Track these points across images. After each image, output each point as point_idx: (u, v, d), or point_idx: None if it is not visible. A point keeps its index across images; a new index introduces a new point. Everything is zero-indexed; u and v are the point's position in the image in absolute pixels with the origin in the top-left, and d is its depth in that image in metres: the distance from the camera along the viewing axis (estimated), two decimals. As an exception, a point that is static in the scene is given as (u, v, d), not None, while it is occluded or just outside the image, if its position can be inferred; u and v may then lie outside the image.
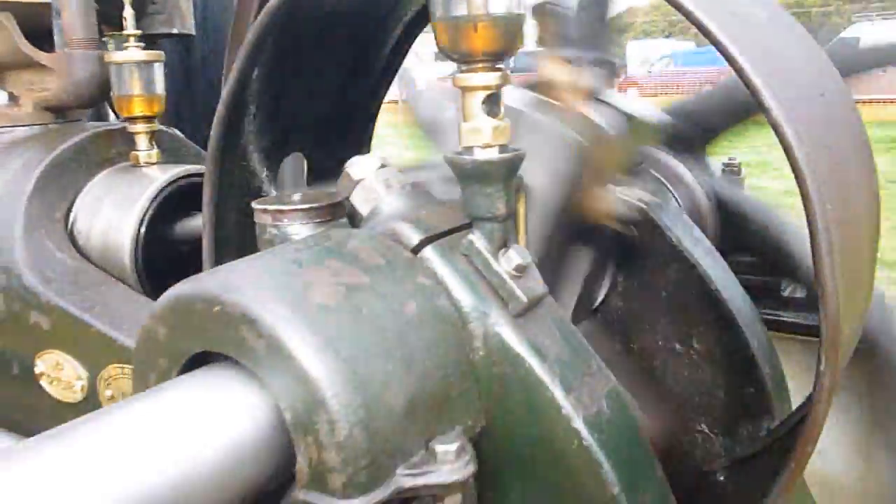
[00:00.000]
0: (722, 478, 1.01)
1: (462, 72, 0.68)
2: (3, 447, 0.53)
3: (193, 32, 1.69)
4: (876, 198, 0.80)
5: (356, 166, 0.76)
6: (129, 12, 1.26)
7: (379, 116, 1.22)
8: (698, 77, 36.44)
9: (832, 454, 1.43)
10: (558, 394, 0.67)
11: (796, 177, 0.62)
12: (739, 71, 0.63)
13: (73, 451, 0.52)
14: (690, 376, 0.99)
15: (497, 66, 0.68)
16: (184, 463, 0.54)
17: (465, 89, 0.69)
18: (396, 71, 1.17)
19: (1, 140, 1.42)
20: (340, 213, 0.78)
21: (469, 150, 0.69)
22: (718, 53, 0.64)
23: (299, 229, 0.76)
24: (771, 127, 0.64)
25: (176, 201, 1.27)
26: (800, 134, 0.63)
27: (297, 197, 0.79)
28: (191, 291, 0.62)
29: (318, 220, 0.76)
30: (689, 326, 0.97)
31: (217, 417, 0.58)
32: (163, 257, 1.23)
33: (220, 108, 0.95)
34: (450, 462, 0.61)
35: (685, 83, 36.03)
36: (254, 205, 0.79)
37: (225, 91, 0.93)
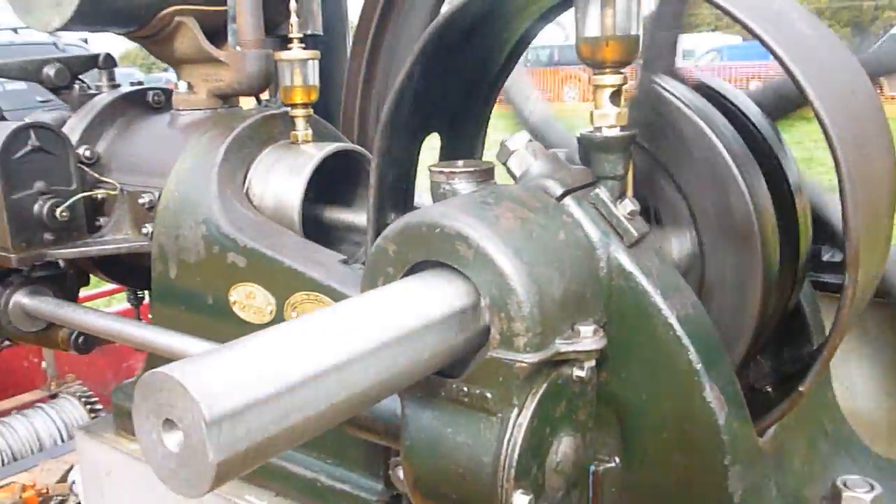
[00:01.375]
0: (770, 390, 1.29)
1: (595, 74, 0.98)
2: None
3: (321, 32, 2.01)
4: (892, 170, 1.07)
5: (512, 141, 1.07)
6: (294, 20, 1.58)
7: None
8: (745, 72, 36.16)
9: (863, 392, 1.69)
10: (658, 300, 0.97)
11: (829, 147, 0.90)
12: (786, 69, 0.91)
13: (342, 317, 0.82)
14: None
15: (620, 70, 0.98)
16: (418, 324, 0.85)
17: (598, 87, 0.99)
18: (508, 74, 1.47)
19: (181, 120, 1.75)
20: (491, 175, 1.08)
21: (598, 129, 0.99)
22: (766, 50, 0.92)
23: (465, 186, 1.06)
24: (814, 116, 0.92)
25: (323, 172, 1.59)
26: (834, 121, 0.91)
27: (460, 163, 1.10)
28: (418, 219, 0.93)
29: (478, 180, 1.07)
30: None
31: (439, 299, 0.88)
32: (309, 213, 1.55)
33: (392, 96, 1.25)
34: (588, 337, 0.91)
35: (731, 78, 35.81)
36: (431, 167, 1.10)
37: (397, 84, 1.24)
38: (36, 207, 1.59)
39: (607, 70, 0.98)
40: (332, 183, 1.65)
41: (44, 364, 3.47)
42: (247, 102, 1.99)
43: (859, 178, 0.92)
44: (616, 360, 1.01)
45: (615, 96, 0.99)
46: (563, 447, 0.95)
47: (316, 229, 1.60)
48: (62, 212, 1.59)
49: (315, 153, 1.57)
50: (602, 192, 1.01)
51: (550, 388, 0.92)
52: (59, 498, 2.34)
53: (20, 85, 1.87)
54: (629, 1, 0.96)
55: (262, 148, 1.62)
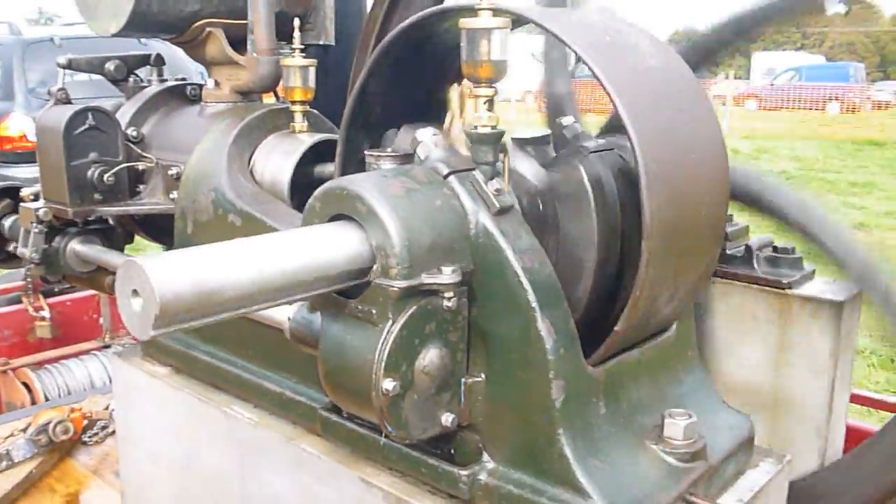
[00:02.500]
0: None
1: (475, 87, 1.34)
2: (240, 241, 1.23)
3: (333, 43, 2.41)
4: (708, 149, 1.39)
5: (420, 133, 1.44)
6: (297, 34, 1.97)
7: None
8: (823, 92, 35.40)
9: (754, 367, 1.99)
10: (510, 254, 1.32)
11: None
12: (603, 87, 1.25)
13: (262, 243, 1.20)
14: None
15: (492, 85, 1.34)
16: (325, 257, 1.23)
17: (476, 96, 1.35)
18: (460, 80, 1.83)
19: (208, 110, 2.18)
20: (410, 159, 1.45)
21: (475, 127, 1.35)
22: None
23: (388, 166, 1.44)
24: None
25: (315, 155, 1.97)
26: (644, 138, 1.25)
27: (388, 150, 1.47)
28: (335, 185, 1.31)
29: (398, 162, 1.44)
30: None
31: (343, 240, 1.26)
32: (304, 188, 1.94)
33: (352, 97, 1.64)
34: (447, 274, 1.27)
35: (808, 98, 35.08)
36: (366, 152, 1.47)
37: (357, 85, 1.62)
38: (89, 173, 2.03)
39: (483, 84, 1.34)
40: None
41: (101, 319, 3.98)
42: (269, 98, 2.40)
43: (656, 160, 1.26)
44: (481, 299, 1.36)
45: (489, 104, 1.35)
46: (430, 355, 1.31)
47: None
48: (108, 177, 2.03)
49: (306, 140, 1.97)
50: (477, 174, 1.37)
51: (420, 310, 1.28)
52: (102, 422, 2.79)
53: (85, 76, 2.32)
54: (501, 35, 1.32)
55: (266, 135, 2.02)
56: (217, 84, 2.18)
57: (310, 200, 1.36)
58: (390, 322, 1.26)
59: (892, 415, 1.88)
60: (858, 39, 62.47)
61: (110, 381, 3.57)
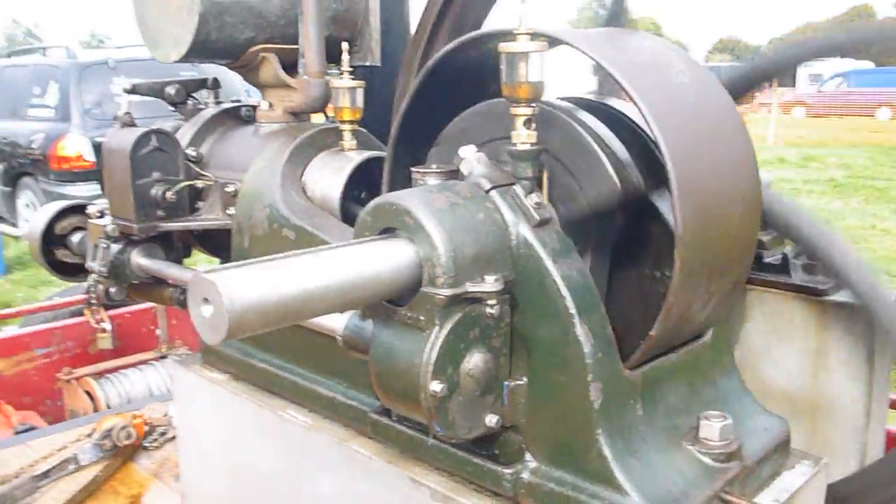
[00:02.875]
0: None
1: (512, 107, 1.43)
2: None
3: (379, 64, 2.52)
4: (740, 167, 1.45)
5: (463, 150, 1.52)
6: (345, 57, 2.08)
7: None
8: (872, 98, 34.68)
9: (791, 373, 2.03)
10: (549, 263, 1.40)
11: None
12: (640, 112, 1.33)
13: (320, 256, 1.30)
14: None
15: (531, 105, 1.42)
16: (377, 268, 1.32)
17: (516, 115, 1.43)
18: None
19: (262, 130, 2.30)
20: (454, 175, 1.54)
21: (515, 144, 1.44)
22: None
23: (432, 181, 1.53)
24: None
25: (363, 172, 2.08)
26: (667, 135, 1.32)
27: (433, 167, 1.56)
28: (384, 200, 1.40)
29: (443, 178, 1.53)
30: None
31: (393, 252, 1.35)
32: (353, 203, 2.05)
33: (399, 117, 1.74)
34: (489, 283, 1.36)
35: (857, 104, 34.42)
36: (412, 169, 1.57)
37: (403, 106, 1.72)
38: (153, 191, 2.16)
39: (522, 104, 1.43)
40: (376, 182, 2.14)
41: (158, 331, 4.15)
42: (319, 118, 2.52)
43: (686, 172, 1.33)
44: (522, 306, 1.45)
45: (528, 123, 1.43)
46: (475, 359, 1.39)
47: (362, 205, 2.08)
48: (171, 195, 2.16)
49: (355, 158, 2.07)
50: (517, 189, 1.45)
51: (465, 317, 1.37)
52: (161, 429, 2.93)
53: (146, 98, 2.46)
54: (539, 57, 1.41)
55: (317, 153, 2.13)
56: (270, 105, 2.30)
57: (360, 214, 1.46)
58: (437, 328, 1.34)
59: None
60: (909, 43, 61.01)
61: (168, 390, 3.73)
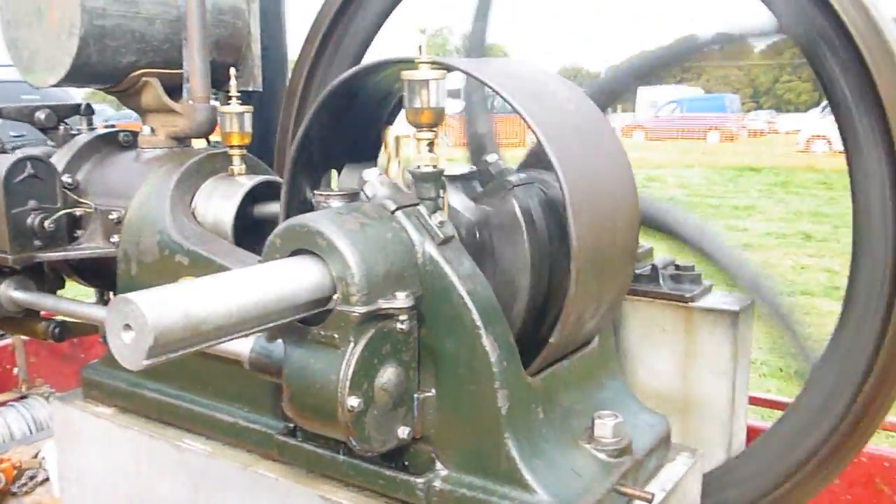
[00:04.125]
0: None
1: (417, 132, 1.50)
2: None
3: (261, 89, 2.53)
4: (618, 182, 1.60)
5: (366, 173, 1.58)
6: (233, 83, 2.08)
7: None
8: (703, 123, 37.49)
9: (664, 375, 2.21)
10: (455, 279, 1.48)
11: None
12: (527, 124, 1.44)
13: (236, 278, 1.32)
14: None
15: (433, 129, 1.50)
16: (287, 287, 1.35)
17: (419, 139, 1.51)
18: (395, 119, 1.98)
19: (146, 155, 2.25)
20: (356, 197, 1.59)
21: (419, 167, 1.51)
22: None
23: (336, 203, 1.58)
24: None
25: (253, 196, 2.08)
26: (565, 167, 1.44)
27: (335, 189, 1.61)
28: (295, 222, 1.44)
29: (346, 200, 1.58)
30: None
31: (304, 272, 1.39)
32: (245, 228, 2.05)
33: (295, 142, 1.77)
34: (401, 299, 1.42)
35: (689, 129, 37.08)
36: (316, 192, 1.61)
37: (300, 132, 1.75)
38: (29, 220, 2.07)
39: (424, 129, 1.50)
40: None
41: (16, 370, 3.89)
42: (199, 143, 2.50)
43: (582, 195, 1.45)
44: (430, 320, 1.51)
45: (430, 146, 1.51)
46: (388, 374, 1.44)
47: (251, 230, 2.06)
48: (49, 224, 2.07)
49: (246, 182, 2.08)
50: (422, 209, 1.52)
51: (377, 333, 1.42)
52: (31, 472, 2.76)
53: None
54: (438, 85, 1.49)
55: (206, 178, 2.11)
56: (153, 130, 2.26)
57: (270, 237, 1.48)
58: (352, 344, 1.39)
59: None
60: (732, 72, 66.52)
61: (31, 431, 3.50)
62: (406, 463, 1.59)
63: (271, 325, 1.35)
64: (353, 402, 1.38)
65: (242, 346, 1.64)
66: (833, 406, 1.89)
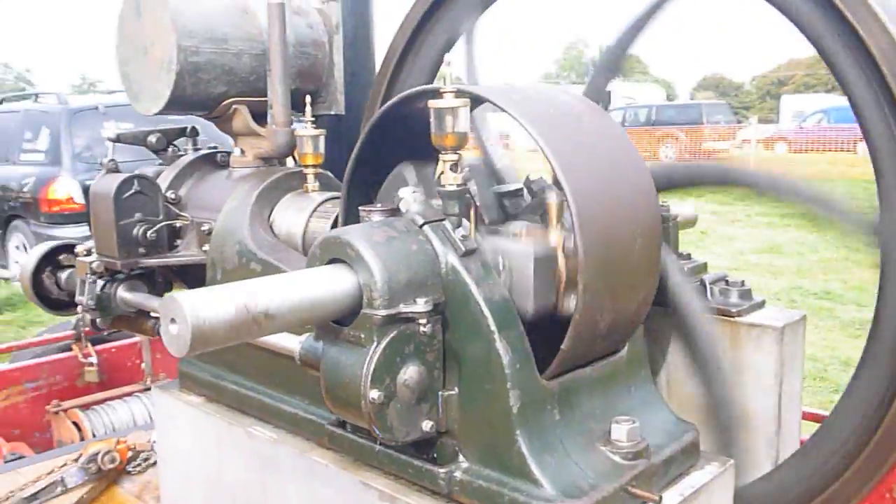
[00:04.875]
0: None
1: (441, 154, 1.67)
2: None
3: (343, 112, 2.77)
4: (649, 217, 1.70)
5: (402, 192, 1.76)
6: (308, 109, 2.32)
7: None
8: (852, 134, 35.37)
9: (686, 381, 2.25)
10: (473, 287, 1.63)
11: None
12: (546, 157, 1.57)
13: (274, 282, 1.52)
14: None
15: (457, 151, 1.66)
16: (322, 292, 1.55)
17: (444, 161, 1.67)
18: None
19: (234, 174, 2.54)
20: (395, 212, 1.77)
21: (443, 185, 1.68)
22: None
23: (377, 217, 1.76)
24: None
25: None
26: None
27: (378, 205, 1.80)
28: (331, 235, 1.63)
29: (386, 215, 1.76)
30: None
31: (337, 279, 1.58)
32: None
33: (351, 162, 1.97)
34: (420, 304, 1.58)
35: (837, 140, 35.10)
36: (360, 208, 1.80)
37: (354, 152, 1.95)
38: (135, 230, 2.39)
39: (449, 151, 1.67)
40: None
41: (143, 364, 4.34)
42: (290, 162, 2.76)
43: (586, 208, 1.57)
44: (452, 324, 1.67)
45: (454, 167, 1.67)
46: (410, 371, 1.61)
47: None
48: (151, 234, 2.38)
49: (317, 198, 2.31)
50: (447, 223, 1.69)
51: (400, 334, 1.59)
52: (144, 454, 3.12)
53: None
54: (464, 111, 1.65)
55: (284, 194, 2.36)
56: (242, 152, 2.54)
57: (311, 248, 1.68)
58: (375, 344, 1.56)
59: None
60: (887, 79, 62.13)
61: (151, 420, 3.91)
62: (435, 455, 1.74)
63: (306, 325, 1.55)
64: (375, 394, 1.55)
65: (294, 344, 1.85)
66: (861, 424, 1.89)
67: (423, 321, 1.60)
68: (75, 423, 3.83)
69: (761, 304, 2.28)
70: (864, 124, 1.79)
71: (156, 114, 2.40)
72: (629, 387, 1.89)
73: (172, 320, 1.37)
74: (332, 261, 1.64)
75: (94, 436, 3.76)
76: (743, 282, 2.26)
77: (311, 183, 2.35)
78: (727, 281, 2.28)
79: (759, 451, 2.17)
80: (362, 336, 1.58)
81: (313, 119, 2.34)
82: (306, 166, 2.35)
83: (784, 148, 36.82)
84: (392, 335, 1.58)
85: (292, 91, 2.48)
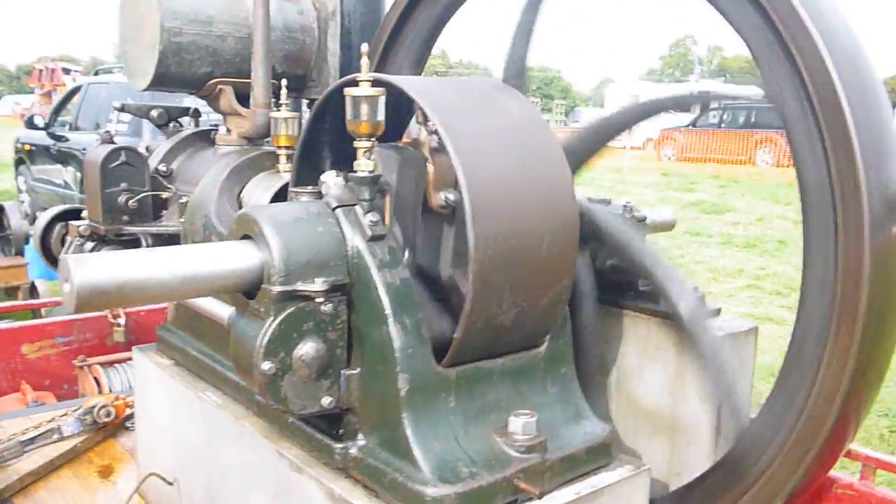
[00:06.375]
0: None
1: (355, 141, 1.72)
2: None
3: (336, 98, 2.84)
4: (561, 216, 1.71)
5: (324, 175, 1.82)
6: (283, 92, 2.41)
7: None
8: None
9: (655, 392, 2.23)
10: (374, 271, 1.68)
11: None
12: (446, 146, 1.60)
13: (164, 253, 1.61)
14: None
15: (371, 138, 1.71)
16: (219, 266, 1.63)
17: (358, 148, 1.72)
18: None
19: (220, 151, 2.65)
20: (320, 196, 1.84)
21: (355, 172, 1.73)
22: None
23: (305, 198, 1.83)
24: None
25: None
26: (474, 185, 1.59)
27: (308, 188, 1.87)
28: (244, 212, 1.71)
29: (313, 197, 1.83)
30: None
31: (240, 254, 1.66)
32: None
33: (299, 146, 2.05)
34: (318, 284, 1.64)
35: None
36: (291, 189, 1.88)
37: (302, 134, 2.03)
38: (119, 199, 2.53)
39: (363, 138, 1.72)
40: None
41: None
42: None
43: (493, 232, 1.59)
44: (357, 306, 1.72)
45: (367, 153, 1.72)
46: (307, 347, 1.67)
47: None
48: (133, 203, 2.53)
49: (286, 178, 2.40)
50: (358, 209, 1.74)
51: (298, 310, 1.65)
52: (142, 411, 3.30)
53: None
54: (376, 101, 1.70)
55: (257, 173, 2.46)
56: (228, 131, 2.65)
57: (231, 223, 1.77)
58: (272, 318, 1.64)
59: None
60: None
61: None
62: (340, 431, 1.81)
63: (206, 295, 1.64)
64: (266, 366, 1.63)
65: (224, 313, 1.94)
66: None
67: (319, 300, 1.66)
68: (96, 379, 4.06)
69: (716, 312, 2.23)
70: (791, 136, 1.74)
71: (143, 90, 2.54)
72: (546, 382, 1.90)
73: (66, 280, 1.48)
74: (244, 236, 1.72)
75: (110, 390, 3.99)
76: (696, 287, 2.22)
77: (283, 164, 2.44)
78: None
79: (699, 462, 2.14)
80: (262, 310, 1.66)
81: (287, 103, 2.43)
82: (279, 147, 2.44)
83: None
84: (289, 311, 1.64)
85: (280, 75, 2.58)
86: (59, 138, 12.29)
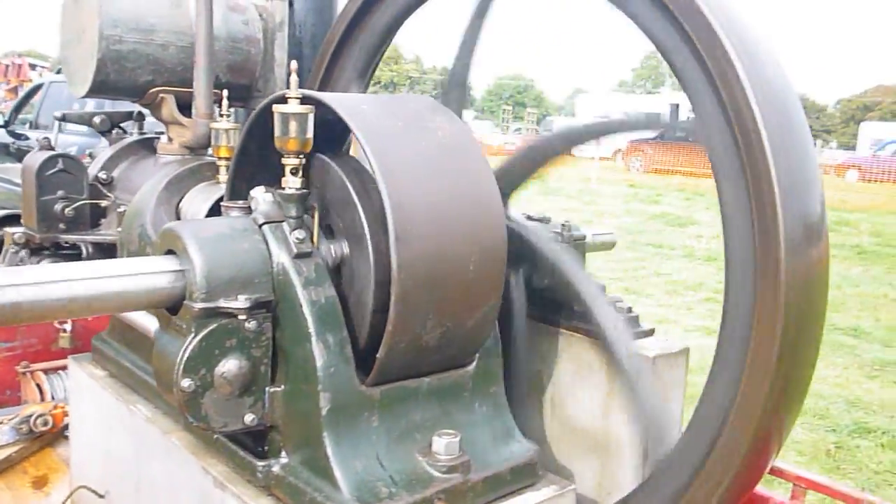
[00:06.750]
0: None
1: (284, 158, 1.71)
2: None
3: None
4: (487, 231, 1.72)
5: (254, 191, 1.81)
6: (224, 103, 2.39)
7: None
8: (931, 163, 34.03)
9: (590, 413, 2.24)
10: (299, 289, 1.67)
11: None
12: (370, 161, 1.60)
13: (111, 265, 1.59)
14: None
15: (299, 156, 1.71)
16: (135, 282, 1.61)
17: (285, 165, 1.72)
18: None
19: (160, 160, 2.63)
20: (248, 210, 1.83)
21: (283, 189, 1.72)
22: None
23: (236, 213, 1.82)
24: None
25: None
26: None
27: (240, 203, 1.85)
28: (168, 227, 1.70)
29: (243, 212, 1.82)
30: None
31: (162, 269, 1.64)
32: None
33: (234, 158, 2.03)
34: (241, 301, 1.63)
35: (914, 171, 33.82)
36: (222, 204, 1.86)
37: (236, 148, 2.01)
38: (56, 207, 2.50)
39: (291, 155, 1.71)
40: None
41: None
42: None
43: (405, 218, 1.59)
44: (283, 323, 1.72)
45: (294, 171, 1.72)
46: (230, 365, 1.66)
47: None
48: (69, 211, 2.49)
49: (223, 188, 2.38)
50: (284, 225, 1.73)
51: (220, 327, 1.64)
52: (81, 421, 3.24)
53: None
54: (305, 118, 1.69)
55: (196, 184, 2.44)
56: (170, 140, 2.63)
57: (156, 239, 1.75)
58: (192, 334, 1.62)
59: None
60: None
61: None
62: (265, 448, 1.80)
63: (122, 311, 1.62)
64: (186, 383, 1.61)
65: (154, 327, 1.92)
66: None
67: (242, 317, 1.65)
68: (38, 386, 3.99)
69: (649, 333, 2.26)
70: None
71: (83, 97, 2.51)
72: (474, 401, 1.91)
73: (-30, 294, 1.45)
74: (168, 251, 1.71)
75: (52, 398, 3.93)
76: (630, 308, 2.25)
77: (223, 174, 2.42)
78: (615, 306, 2.26)
79: (626, 481, 2.15)
80: (183, 326, 1.64)
81: (229, 113, 2.42)
82: (219, 158, 2.42)
83: (855, 175, 35.66)
84: (211, 328, 1.63)
85: (224, 84, 2.56)
86: (18, 136, 12.11)
